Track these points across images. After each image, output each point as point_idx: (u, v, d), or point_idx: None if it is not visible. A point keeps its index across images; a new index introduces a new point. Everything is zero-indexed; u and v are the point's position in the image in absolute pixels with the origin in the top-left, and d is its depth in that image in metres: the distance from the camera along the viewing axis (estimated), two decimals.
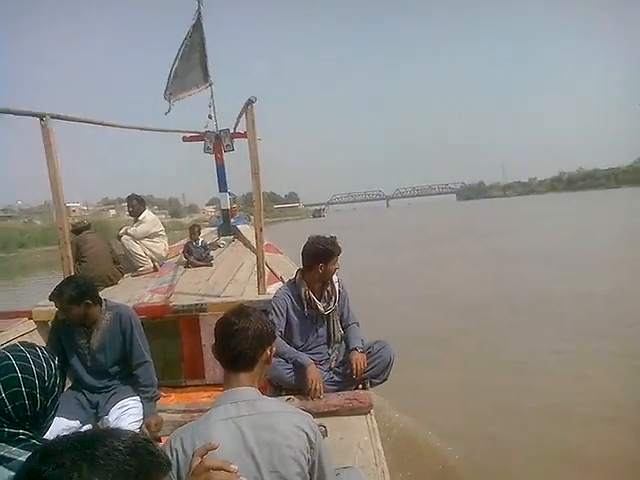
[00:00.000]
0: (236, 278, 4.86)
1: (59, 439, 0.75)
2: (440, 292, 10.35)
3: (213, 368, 3.88)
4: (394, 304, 9.43)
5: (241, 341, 1.60)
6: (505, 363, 5.94)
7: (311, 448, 1.50)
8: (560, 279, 10.48)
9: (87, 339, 2.90)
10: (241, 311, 1.68)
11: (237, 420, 1.46)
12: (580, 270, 11.35)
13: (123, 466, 0.69)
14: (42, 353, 1.37)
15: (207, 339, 3.87)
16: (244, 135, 4.66)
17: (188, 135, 7.20)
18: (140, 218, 5.71)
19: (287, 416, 1.54)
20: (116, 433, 0.76)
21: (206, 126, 7.04)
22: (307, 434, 1.50)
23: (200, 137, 7.06)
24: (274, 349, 1.71)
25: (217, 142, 6.98)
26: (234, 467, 0.97)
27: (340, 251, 3.20)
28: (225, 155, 7.13)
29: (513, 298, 9.15)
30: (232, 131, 6.86)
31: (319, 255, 3.14)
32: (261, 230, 4.18)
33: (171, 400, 3.61)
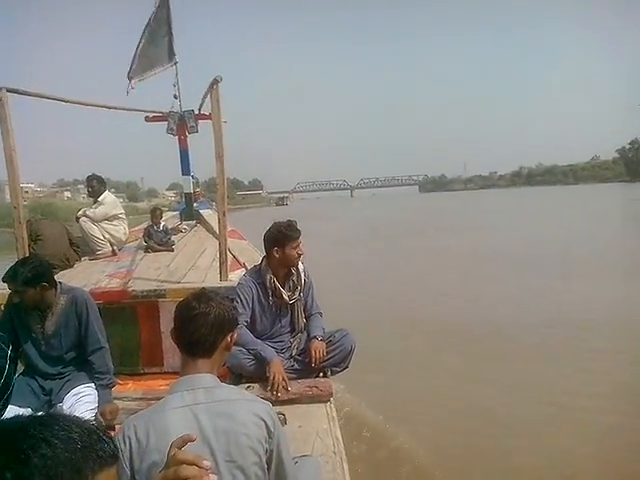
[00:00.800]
0: (198, 264, 4.78)
1: None
2: (409, 293, 10.01)
3: (172, 355, 3.82)
4: (363, 304, 9.02)
5: (201, 326, 1.55)
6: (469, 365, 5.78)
7: (269, 437, 1.48)
8: (527, 279, 10.43)
9: (41, 324, 2.81)
10: (202, 295, 1.63)
11: (194, 408, 1.43)
12: (542, 269, 11.35)
13: (46, 461, 0.64)
14: None
15: (166, 326, 3.80)
16: (209, 117, 4.55)
17: (151, 115, 7.00)
18: (100, 199, 5.53)
19: (246, 404, 1.51)
20: (53, 422, 0.70)
21: (172, 106, 6.86)
22: (266, 423, 1.47)
23: (163, 117, 6.86)
24: (235, 336, 1.67)
25: (181, 123, 6.81)
26: (206, 463, 0.93)
27: (298, 235, 3.15)
28: (189, 137, 6.98)
29: (480, 297, 9.02)
30: (197, 112, 6.71)
31: (274, 239, 3.12)
32: (224, 215, 4.11)
33: (128, 388, 3.53)
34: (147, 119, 7.02)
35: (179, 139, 6.96)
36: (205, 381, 1.51)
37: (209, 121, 4.44)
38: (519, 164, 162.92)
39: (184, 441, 1.00)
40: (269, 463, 1.49)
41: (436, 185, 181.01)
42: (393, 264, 13.89)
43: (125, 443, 1.39)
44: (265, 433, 1.46)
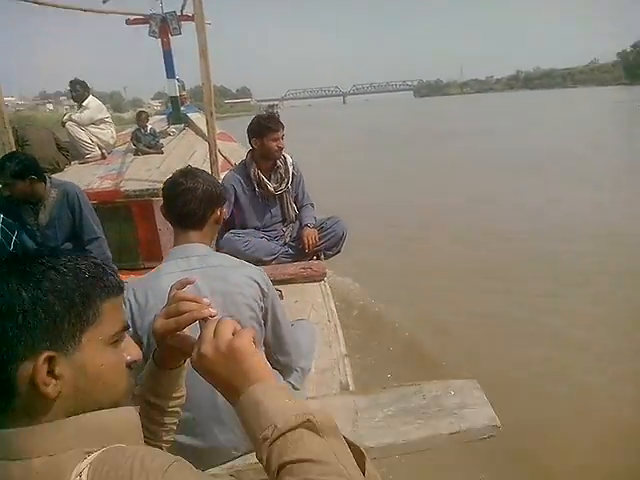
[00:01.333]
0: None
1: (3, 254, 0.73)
2: (409, 195, 9.63)
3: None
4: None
5: (189, 201, 1.57)
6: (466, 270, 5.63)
7: (263, 296, 1.57)
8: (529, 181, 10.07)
9: (34, 216, 2.90)
10: (189, 172, 1.64)
11: (189, 273, 1.47)
12: (545, 173, 10.79)
13: (57, 285, 0.68)
14: None
15: (162, 223, 3.89)
16: (192, 18, 4.41)
17: (132, 18, 6.72)
18: (84, 104, 5.44)
19: (238, 269, 1.58)
20: (60, 254, 0.73)
21: (151, 9, 6.58)
22: (259, 284, 1.56)
23: (145, 20, 6.60)
24: (225, 210, 1.71)
25: (163, 25, 6.55)
26: (206, 300, 0.97)
27: (278, 128, 3.19)
28: (173, 40, 6.75)
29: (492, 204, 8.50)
30: (179, 13, 6.45)
31: (253, 130, 3.20)
32: (212, 115, 4.09)
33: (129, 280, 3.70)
34: (128, 22, 6.74)
35: (162, 41, 6.72)
36: (198, 249, 1.56)
37: (193, 23, 4.28)
38: (516, 68, 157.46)
39: (182, 284, 1.05)
40: (265, 320, 1.60)
41: (431, 90, 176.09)
42: (391, 169, 13.32)
43: (125, 305, 1.44)
44: (259, 292, 1.55)
